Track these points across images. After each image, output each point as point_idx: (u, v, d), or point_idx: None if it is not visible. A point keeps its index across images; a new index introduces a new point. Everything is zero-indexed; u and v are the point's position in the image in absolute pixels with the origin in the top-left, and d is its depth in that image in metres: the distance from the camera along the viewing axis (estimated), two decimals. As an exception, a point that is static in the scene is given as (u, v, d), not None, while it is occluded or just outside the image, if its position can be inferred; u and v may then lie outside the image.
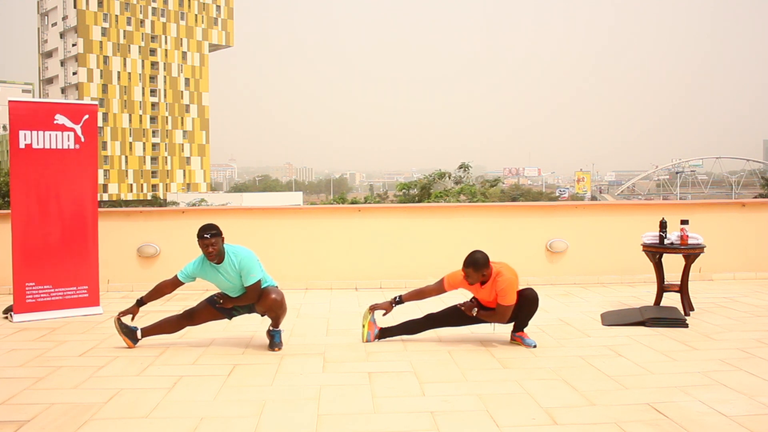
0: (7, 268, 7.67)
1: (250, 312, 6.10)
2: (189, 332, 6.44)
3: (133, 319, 6.01)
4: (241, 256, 5.77)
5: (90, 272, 7.56)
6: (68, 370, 5.25)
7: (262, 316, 6.04)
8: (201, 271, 5.89)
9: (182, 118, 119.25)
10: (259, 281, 5.83)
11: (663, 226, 7.26)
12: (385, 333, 6.19)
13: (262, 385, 4.87)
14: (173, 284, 5.94)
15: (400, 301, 6.15)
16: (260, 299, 5.87)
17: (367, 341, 6.12)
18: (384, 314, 6.24)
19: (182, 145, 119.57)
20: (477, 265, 5.71)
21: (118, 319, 5.93)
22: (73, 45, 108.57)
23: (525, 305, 5.92)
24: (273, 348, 5.88)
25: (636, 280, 9.40)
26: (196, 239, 5.72)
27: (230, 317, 6.11)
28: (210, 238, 5.64)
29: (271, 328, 5.99)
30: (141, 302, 5.92)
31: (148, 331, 6.02)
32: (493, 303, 5.92)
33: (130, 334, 5.93)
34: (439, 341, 6.13)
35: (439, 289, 6.08)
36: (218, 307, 6.00)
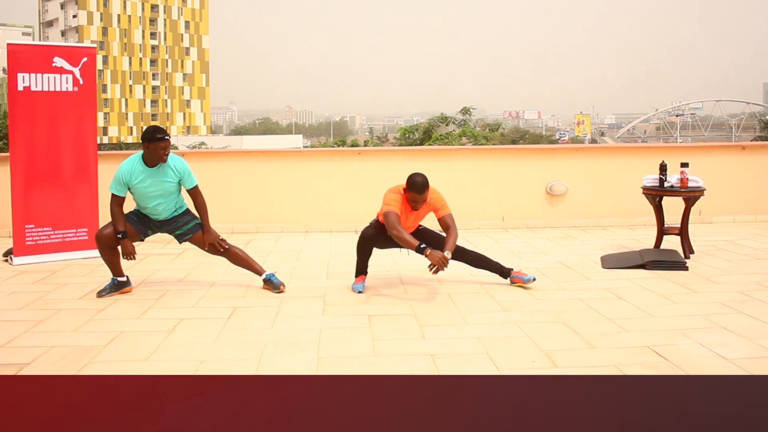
0: (6, 210, 7.64)
1: (168, 231, 5.96)
2: (189, 275, 6.46)
3: (133, 254, 5.71)
4: (179, 160, 5.73)
5: (90, 215, 7.52)
6: (68, 313, 5.26)
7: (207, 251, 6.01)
8: (134, 176, 5.58)
9: (182, 61, 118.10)
10: (198, 186, 5.81)
11: (663, 168, 7.21)
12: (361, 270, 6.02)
13: (262, 327, 4.88)
14: (120, 203, 5.68)
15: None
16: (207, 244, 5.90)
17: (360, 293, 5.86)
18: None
19: (182, 88, 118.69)
20: (424, 188, 5.58)
21: (101, 291, 5.74)
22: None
23: (462, 253, 5.91)
24: (279, 288, 5.82)
25: (636, 223, 9.38)
26: (144, 143, 5.55)
27: (144, 236, 5.88)
28: (168, 139, 5.54)
29: (263, 278, 5.95)
30: (125, 234, 5.64)
31: (118, 272, 5.82)
32: (413, 228, 5.88)
33: (122, 286, 5.81)
34: (439, 284, 6.13)
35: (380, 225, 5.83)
36: (135, 223, 5.80)
